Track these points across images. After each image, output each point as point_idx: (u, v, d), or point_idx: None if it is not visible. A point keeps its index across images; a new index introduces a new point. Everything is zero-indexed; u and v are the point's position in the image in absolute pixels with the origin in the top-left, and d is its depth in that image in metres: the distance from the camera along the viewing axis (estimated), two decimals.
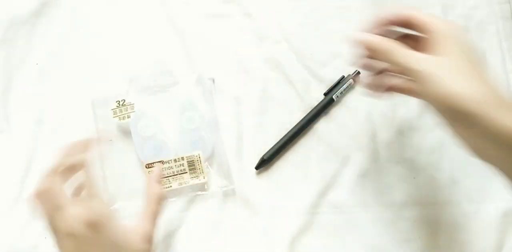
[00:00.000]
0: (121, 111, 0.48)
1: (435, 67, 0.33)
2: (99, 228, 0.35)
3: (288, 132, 0.49)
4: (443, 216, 0.47)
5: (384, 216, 0.47)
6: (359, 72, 0.51)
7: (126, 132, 0.48)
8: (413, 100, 0.51)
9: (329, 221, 0.47)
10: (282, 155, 0.49)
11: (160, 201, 0.41)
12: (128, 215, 0.41)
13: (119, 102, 0.48)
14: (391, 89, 0.41)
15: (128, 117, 0.48)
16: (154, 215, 0.40)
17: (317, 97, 0.51)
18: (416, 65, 0.33)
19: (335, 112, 0.51)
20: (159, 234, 0.47)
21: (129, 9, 0.54)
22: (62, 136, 0.49)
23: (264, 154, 0.48)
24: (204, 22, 0.53)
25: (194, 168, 0.47)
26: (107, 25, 0.54)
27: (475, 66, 0.34)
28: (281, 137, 0.49)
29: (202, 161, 0.47)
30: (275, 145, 0.49)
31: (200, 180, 0.47)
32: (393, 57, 0.35)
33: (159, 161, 0.46)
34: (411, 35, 0.38)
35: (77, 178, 0.39)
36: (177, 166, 0.46)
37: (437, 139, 0.49)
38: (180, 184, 0.46)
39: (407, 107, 0.50)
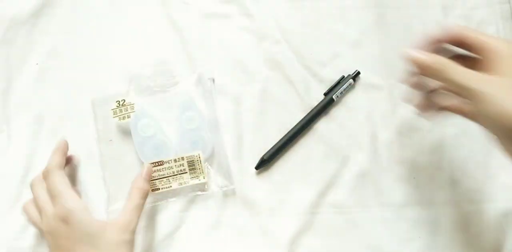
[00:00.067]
0: (121, 111, 0.48)
1: (492, 86, 0.33)
2: (69, 221, 0.39)
3: (288, 132, 0.49)
4: (443, 216, 0.47)
5: (384, 216, 0.47)
6: (359, 72, 0.51)
7: (126, 132, 0.48)
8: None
9: (329, 221, 0.47)
10: (282, 155, 0.49)
11: (143, 196, 0.43)
12: None
13: (119, 102, 0.48)
14: (443, 109, 0.40)
15: (128, 117, 0.48)
16: (136, 209, 0.41)
17: (317, 97, 0.51)
18: (472, 84, 0.33)
19: (335, 112, 0.51)
20: (159, 234, 0.47)
21: (129, 9, 0.54)
22: (62, 136, 0.48)
23: (264, 154, 0.48)
24: (204, 22, 0.53)
25: (194, 168, 0.47)
26: (107, 25, 0.54)
27: None
28: (281, 137, 0.49)
29: (202, 161, 0.47)
30: (275, 145, 0.49)
31: (200, 180, 0.47)
32: (447, 75, 0.34)
33: (159, 161, 0.46)
34: (463, 55, 0.37)
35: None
36: (177, 166, 0.46)
37: (437, 139, 0.49)
38: (180, 184, 0.46)
39: (407, 107, 0.50)
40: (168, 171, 0.46)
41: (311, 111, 0.50)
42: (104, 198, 0.47)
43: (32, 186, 0.44)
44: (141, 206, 0.42)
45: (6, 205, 0.48)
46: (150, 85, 0.49)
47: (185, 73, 0.51)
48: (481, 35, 0.35)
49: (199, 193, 0.47)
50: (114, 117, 0.48)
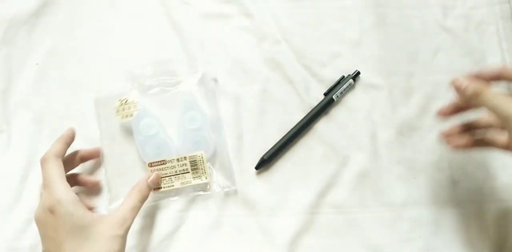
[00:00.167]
0: (123, 109, 0.48)
1: None
2: (55, 212, 0.38)
3: (288, 132, 0.49)
4: (443, 216, 0.47)
5: (384, 216, 0.47)
6: (359, 72, 0.51)
7: (128, 131, 0.48)
8: (413, 100, 0.51)
9: (329, 221, 0.47)
10: (282, 155, 0.49)
11: (142, 200, 0.43)
12: None
13: (122, 100, 0.48)
14: (478, 143, 0.41)
15: (131, 115, 0.47)
16: (133, 209, 0.41)
17: (317, 97, 0.51)
18: (508, 109, 0.34)
19: (335, 112, 0.51)
20: (159, 234, 0.47)
21: (128, 9, 0.54)
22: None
23: (264, 154, 0.48)
24: (204, 22, 0.53)
25: (197, 168, 0.47)
26: (107, 25, 0.54)
27: None
28: (281, 137, 0.49)
29: (204, 161, 0.47)
30: (275, 145, 0.49)
31: (202, 180, 0.47)
32: (484, 98, 0.36)
33: (161, 160, 0.46)
34: None
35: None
36: (179, 165, 0.46)
37: (437, 139, 0.49)
38: (183, 183, 0.46)
39: (407, 107, 0.50)
40: (170, 170, 0.46)
41: (311, 111, 0.50)
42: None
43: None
44: (138, 208, 0.42)
45: (6, 205, 0.48)
46: (153, 84, 0.49)
47: (188, 73, 0.51)
48: None
49: (201, 193, 0.47)
50: (116, 115, 0.48)
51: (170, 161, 0.46)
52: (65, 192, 0.39)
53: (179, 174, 0.46)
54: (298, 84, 0.51)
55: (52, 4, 0.54)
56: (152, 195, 0.46)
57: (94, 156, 0.48)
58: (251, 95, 0.51)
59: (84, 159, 0.48)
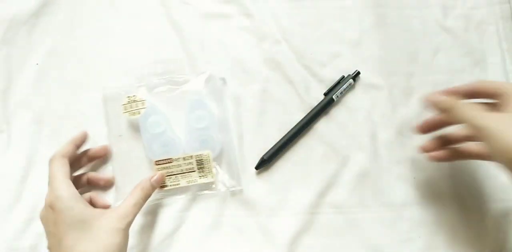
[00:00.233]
0: (131, 106, 0.48)
1: (497, 122, 0.35)
2: (55, 208, 0.39)
3: (288, 132, 0.49)
4: (443, 216, 0.47)
5: (384, 216, 0.47)
6: (359, 72, 0.51)
7: (136, 128, 0.48)
8: (413, 100, 0.51)
9: (329, 221, 0.47)
10: (282, 155, 0.49)
11: (144, 198, 0.43)
12: None
13: (130, 97, 0.48)
14: (457, 155, 0.44)
15: (139, 113, 0.47)
16: (135, 206, 0.42)
17: (317, 97, 0.51)
18: (478, 120, 0.35)
19: (335, 112, 0.51)
20: (159, 234, 0.47)
21: (128, 9, 0.54)
22: (62, 136, 0.48)
23: (264, 154, 0.48)
24: (204, 22, 0.53)
25: (203, 167, 0.47)
26: (106, 25, 0.54)
27: None
28: (281, 137, 0.49)
29: (211, 160, 0.47)
30: (275, 145, 0.49)
31: (208, 179, 0.47)
32: (457, 111, 0.37)
33: (168, 159, 0.46)
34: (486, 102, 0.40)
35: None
36: (186, 164, 0.46)
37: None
38: (188, 182, 0.46)
39: (407, 107, 0.50)
40: (176, 168, 0.46)
41: (311, 111, 0.50)
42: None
43: None
44: (140, 205, 0.42)
45: (6, 205, 0.48)
46: (160, 82, 0.49)
47: (196, 72, 0.51)
48: (494, 83, 0.39)
49: (206, 192, 0.47)
50: (124, 112, 0.48)
51: (177, 159, 0.46)
52: (65, 189, 0.40)
53: (185, 172, 0.46)
54: (298, 84, 0.51)
55: (52, 4, 0.54)
56: (157, 192, 0.46)
57: (102, 155, 0.48)
58: (251, 95, 0.51)
59: (92, 158, 0.48)
